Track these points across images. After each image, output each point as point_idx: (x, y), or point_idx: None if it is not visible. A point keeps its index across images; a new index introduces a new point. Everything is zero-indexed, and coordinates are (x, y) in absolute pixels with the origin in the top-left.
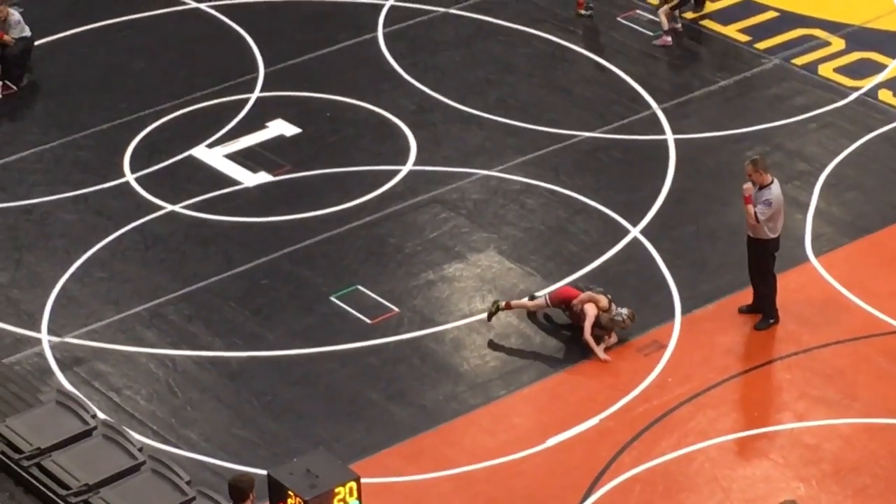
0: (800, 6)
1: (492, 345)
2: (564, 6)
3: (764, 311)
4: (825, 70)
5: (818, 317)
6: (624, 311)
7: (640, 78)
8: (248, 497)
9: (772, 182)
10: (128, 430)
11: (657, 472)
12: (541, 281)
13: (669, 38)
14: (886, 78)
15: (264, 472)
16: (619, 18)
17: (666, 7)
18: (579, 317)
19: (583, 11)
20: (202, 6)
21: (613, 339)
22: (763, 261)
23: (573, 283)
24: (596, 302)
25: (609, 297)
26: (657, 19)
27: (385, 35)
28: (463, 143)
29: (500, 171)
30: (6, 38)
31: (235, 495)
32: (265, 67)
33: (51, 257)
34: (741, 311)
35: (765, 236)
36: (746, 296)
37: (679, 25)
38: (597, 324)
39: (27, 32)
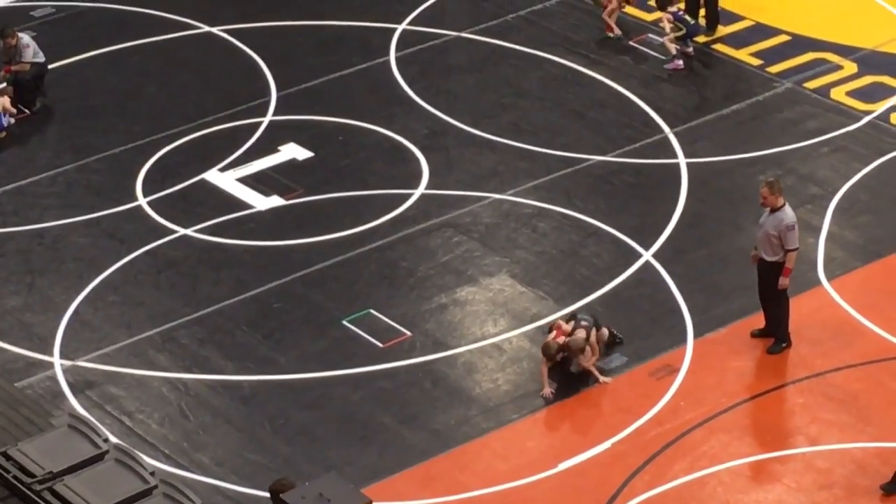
0: (811, 30)
1: (504, 369)
2: (576, 30)
3: (776, 335)
4: (837, 94)
5: (831, 341)
6: (581, 331)
7: (651, 102)
8: None
9: (784, 205)
10: (140, 453)
11: (669, 496)
12: (553, 305)
13: (681, 63)
14: None
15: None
16: (630, 42)
17: (671, 35)
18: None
19: (611, 34)
20: (214, 30)
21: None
22: (777, 284)
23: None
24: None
25: (576, 322)
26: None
27: (397, 59)
28: (475, 167)
29: (513, 194)
30: (17, 66)
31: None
32: (277, 91)
33: (63, 281)
34: (753, 335)
35: (780, 259)
36: (759, 320)
37: (690, 49)
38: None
39: (41, 58)
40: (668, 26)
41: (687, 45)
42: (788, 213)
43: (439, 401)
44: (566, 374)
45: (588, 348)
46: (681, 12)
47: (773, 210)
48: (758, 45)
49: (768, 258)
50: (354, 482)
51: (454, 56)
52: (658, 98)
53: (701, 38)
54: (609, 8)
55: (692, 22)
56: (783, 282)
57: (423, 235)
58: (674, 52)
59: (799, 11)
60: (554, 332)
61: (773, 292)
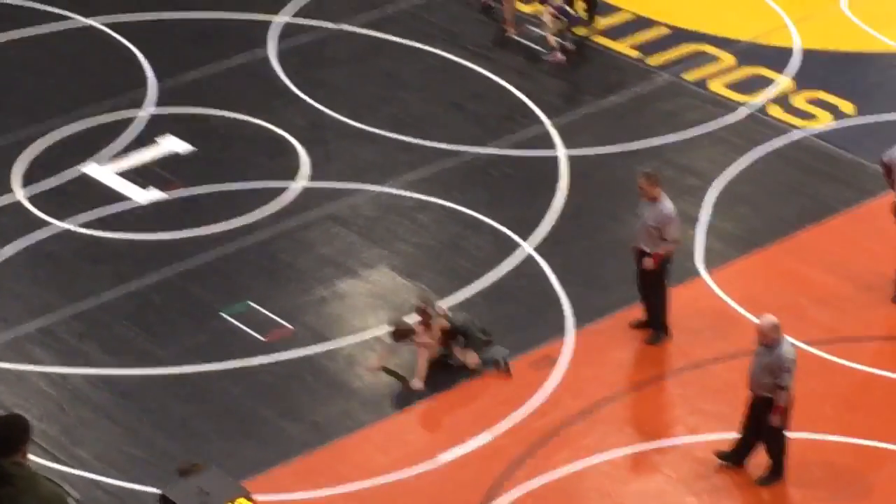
0: (690, 22)
1: (384, 361)
2: (456, 22)
3: (655, 325)
4: (715, 85)
5: (709, 331)
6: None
7: (531, 93)
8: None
9: (662, 196)
10: None
11: (550, 487)
12: (433, 296)
13: (561, 55)
14: (776, 94)
15: (157, 491)
16: (510, 35)
17: (552, 27)
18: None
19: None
20: (93, 22)
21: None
22: (657, 274)
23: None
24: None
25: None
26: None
27: (278, 51)
28: (355, 160)
29: (393, 186)
30: None
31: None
32: (157, 84)
33: None
34: (632, 325)
35: (667, 252)
36: (638, 311)
37: (570, 45)
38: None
39: None
40: (549, 19)
41: (567, 40)
42: (667, 205)
43: (320, 393)
44: (447, 367)
45: (431, 326)
46: (562, 4)
47: (652, 201)
48: (637, 36)
49: (648, 249)
50: (234, 475)
51: (334, 49)
52: (538, 90)
53: (580, 30)
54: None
55: (573, 13)
56: (649, 263)
57: (302, 228)
58: (554, 44)
59: (678, 4)
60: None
61: (651, 283)
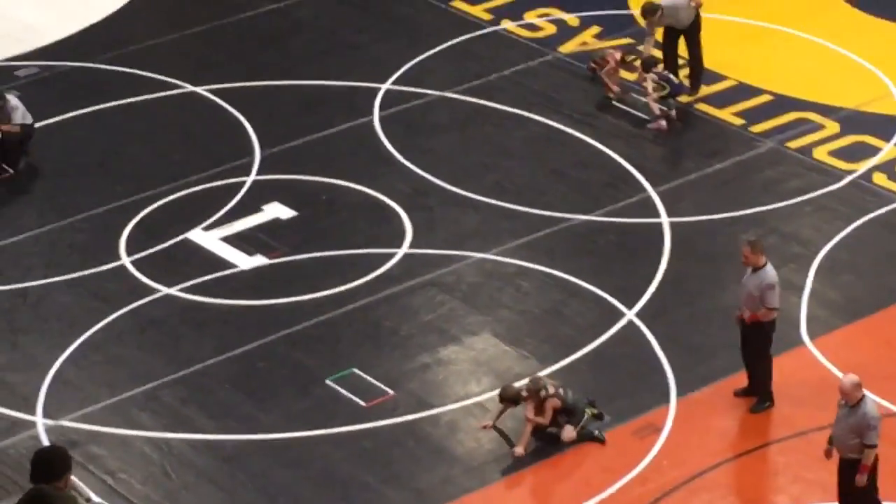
0: (794, 90)
1: (487, 428)
2: (559, 90)
3: (759, 393)
4: (819, 153)
5: (813, 400)
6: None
7: (634, 161)
8: None
9: (766, 263)
10: None
11: None
12: (536, 364)
13: (664, 123)
14: (880, 161)
15: None
16: (613, 102)
17: (654, 95)
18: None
19: (611, 95)
20: (199, 90)
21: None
22: (761, 342)
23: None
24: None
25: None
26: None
27: (381, 118)
28: (458, 227)
29: (496, 253)
30: (7, 127)
31: None
32: (261, 150)
33: (46, 340)
34: (737, 394)
35: (768, 318)
36: (741, 379)
37: (673, 112)
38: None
39: (29, 119)
40: (650, 86)
41: (670, 107)
42: (770, 273)
43: (422, 460)
44: (552, 437)
45: (544, 405)
46: (665, 72)
47: (756, 269)
48: (740, 104)
49: (749, 317)
50: None
51: (437, 115)
52: (640, 157)
53: (684, 98)
54: (607, 68)
55: (676, 81)
56: (747, 314)
57: (406, 294)
58: (657, 112)
59: (781, 71)
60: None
61: (755, 352)
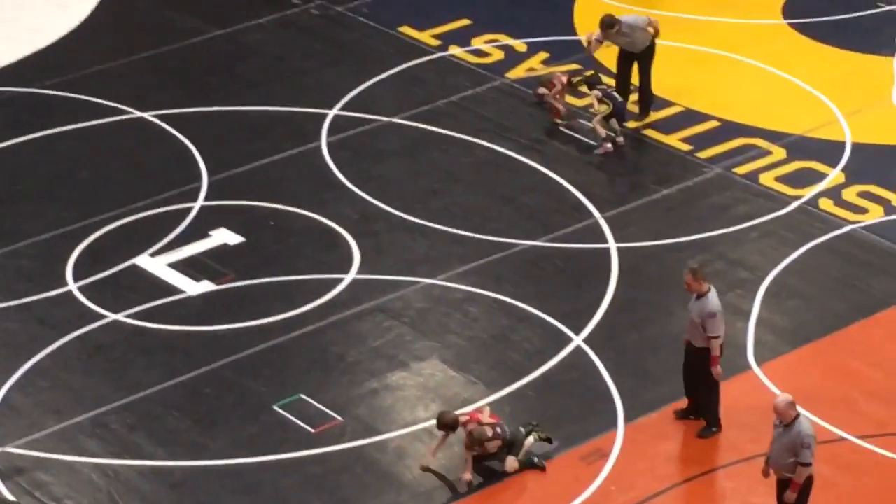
0: (740, 116)
1: (435, 454)
2: (507, 116)
3: (707, 419)
4: (766, 179)
5: (760, 425)
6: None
7: (582, 187)
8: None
9: (709, 290)
10: None
11: None
12: (484, 389)
13: (610, 145)
14: (827, 187)
15: None
16: (561, 128)
17: (599, 115)
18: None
19: (558, 120)
20: (146, 115)
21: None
22: (709, 369)
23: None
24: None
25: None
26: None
27: (329, 144)
28: (406, 252)
29: (444, 279)
30: None
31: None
32: (209, 176)
33: None
34: (677, 415)
35: (709, 344)
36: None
37: (620, 138)
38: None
39: None
40: (595, 103)
41: (616, 132)
42: (711, 301)
43: (370, 486)
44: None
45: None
46: (610, 89)
47: (699, 296)
48: (687, 130)
49: (696, 344)
50: None
51: (385, 141)
52: (588, 183)
53: (632, 123)
54: (553, 91)
55: (620, 100)
56: (716, 371)
57: (354, 320)
58: (603, 135)
59: (728, 97)
60: (468, 415)
61: (701, 377)
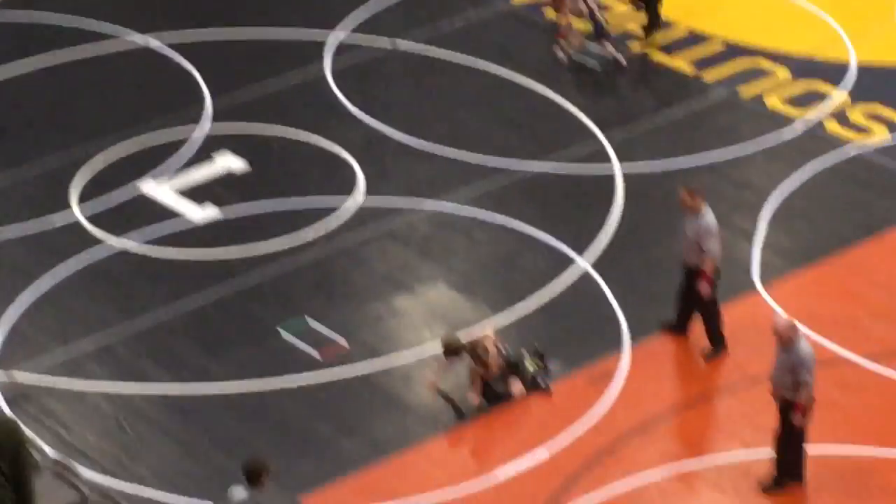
0: (745, 37)
1: (441, 377)
2: (512, 40)
3: (711, 340)
4: (772, 100)
5: (765, 346)
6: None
7: (587, 109)
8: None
9: (705, 209)
10: (77, 465)
11: (608, 503)
12: (489, 313)
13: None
14: (832, 108)
15: None
16: (566, 50)
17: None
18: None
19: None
20: (149, 40)
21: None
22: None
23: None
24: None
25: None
26: (603, 53)
27: (334, 69)
28: (411, 177)
29: (449, 203)
30: None
31: (251, 479)
32: (213, 102)
33: None
34: (662, 326)
35: (705, 266)
36: (695, 324)
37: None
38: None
39: None
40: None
41: (603, 50)
42: (708, 218)
43: (376, 409)
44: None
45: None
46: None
47: (695, 214)
48: (692, 52)
49: (690, 263)
50: (292, 491)
51: (389, 66)
52: (593, 106)
53: (636, 46)
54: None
55: (602, 21)
56: (703, 288)
57: (359, 245)
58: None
59: (732, 19)
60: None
61: (701, 299)
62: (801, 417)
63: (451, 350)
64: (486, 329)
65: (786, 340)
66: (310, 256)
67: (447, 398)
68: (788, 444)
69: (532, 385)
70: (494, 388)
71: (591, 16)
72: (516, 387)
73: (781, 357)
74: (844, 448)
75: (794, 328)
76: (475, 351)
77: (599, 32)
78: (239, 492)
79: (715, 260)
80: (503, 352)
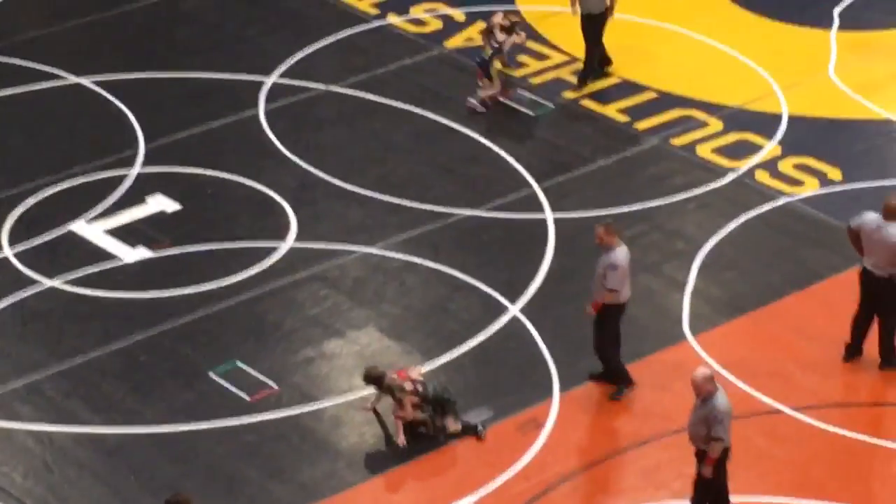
0: (678, 87)
1: (371, 422)
2: (446, 86)
3: (618, 379)
4: (703, 150)
5: (694, 395)
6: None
7: (520, 157)
8: None
9: (619, 245)
10: None
11: None
12: (420, 358)
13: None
14: (763, 159)
15: None
16: (499, 98)
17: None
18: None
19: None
20: (83, 81)
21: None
22: (613, 327)
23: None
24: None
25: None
26: (537, 99)
27: (267, 112)
28: (344, 221)
29: (381, 248)
30: None
31: None
32: (146, 143)
33: None
34: (591, 376)
35: (615, 301)
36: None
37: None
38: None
39: None
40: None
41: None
42: (618, 253)
43: (306, 454)
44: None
45: (403, 402)
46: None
47: (607, 249)
48: (625, 101)
49: (597, 298)
50: None
51: (324, 109)
52: (526, 153)
53: (569, 93)
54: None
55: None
56: (587, 310)
57: (290, 288)
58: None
59: (666, 69)
60: (396, 372)
61: (604, 336)
62: (710, 470)
63: (369, 379)
64: (413, 369)
65: (704, 393)
66: (241, 299)
67: (381, 422)
68: (706, 494)
69: (470, 429)
70: (416, 428)
71: (494, 53)
72: (451, 424)
73: (698, 408)
74: (773, 499)
75: (711, 381)
76: (390, 388)
77: (486, 72)
78: None
79: (616, 295)
80: (420, 389)
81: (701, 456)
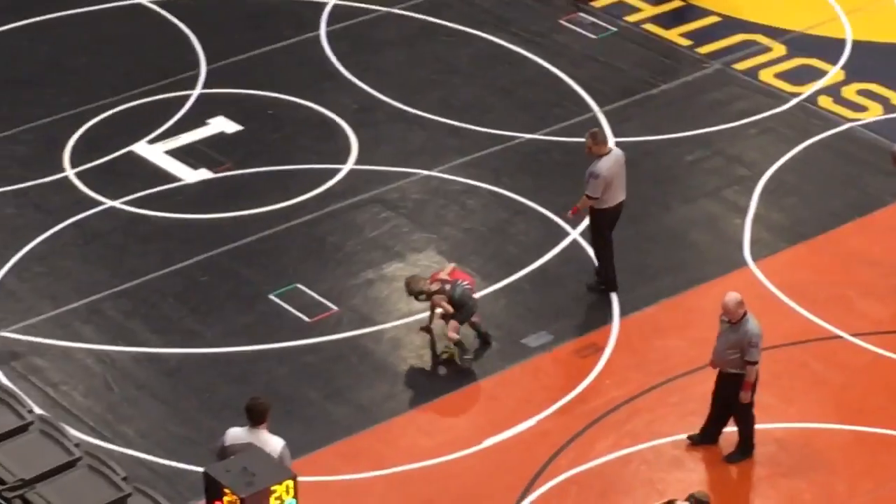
0: (742, 11)
1: (429, 345)
2: (507, 8)
3: (607, 281)
4: (766, 75)
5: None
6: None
7: (581, 81)
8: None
9: (607, 153)
10: (64, 425)
11: (593, 473)
12: (480, 282)
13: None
14: (826, 84)
15: (200, 469)
16: (561, 21)
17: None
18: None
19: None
20: (145, 1)
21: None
22: (602, 233)
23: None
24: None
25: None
26: (599, 22)
27: (328, 33)
28: (404, 143)
29: (442, 171)
30: None
31: (254, 417)
32: (207, 64)
33: None
34: (589, 287)
35: (599, 207)
36: (685, 299)
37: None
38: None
39: None
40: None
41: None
42: (600, 163)
43: (365, 376)
44: (501, 342)
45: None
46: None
47: (597, 158)
48: (688, 25)
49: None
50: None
51: (385, 31)
52: (588, 77)
53: (633, 16)
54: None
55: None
56: (566, 214)
57: (350, 211)
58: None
59: None
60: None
61: (593, 240)
62: (748, 395)
63: (413, 293)
64: (445, 268)
65: (735, 317)
66: (301, 220)
67: (432, 341)
68: (738, 415)
69: (458, 355)
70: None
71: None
72: (452, 327)
73: (728, 333)
74: (830, 425)
75: (742, 304)
76: (424, 294)
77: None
78: (235, 430)
79: (596, 202)
80: (447, 288)
81: (726, 377)
